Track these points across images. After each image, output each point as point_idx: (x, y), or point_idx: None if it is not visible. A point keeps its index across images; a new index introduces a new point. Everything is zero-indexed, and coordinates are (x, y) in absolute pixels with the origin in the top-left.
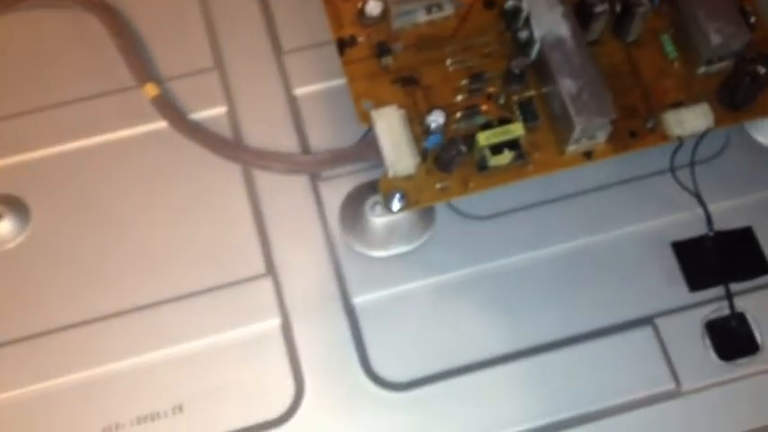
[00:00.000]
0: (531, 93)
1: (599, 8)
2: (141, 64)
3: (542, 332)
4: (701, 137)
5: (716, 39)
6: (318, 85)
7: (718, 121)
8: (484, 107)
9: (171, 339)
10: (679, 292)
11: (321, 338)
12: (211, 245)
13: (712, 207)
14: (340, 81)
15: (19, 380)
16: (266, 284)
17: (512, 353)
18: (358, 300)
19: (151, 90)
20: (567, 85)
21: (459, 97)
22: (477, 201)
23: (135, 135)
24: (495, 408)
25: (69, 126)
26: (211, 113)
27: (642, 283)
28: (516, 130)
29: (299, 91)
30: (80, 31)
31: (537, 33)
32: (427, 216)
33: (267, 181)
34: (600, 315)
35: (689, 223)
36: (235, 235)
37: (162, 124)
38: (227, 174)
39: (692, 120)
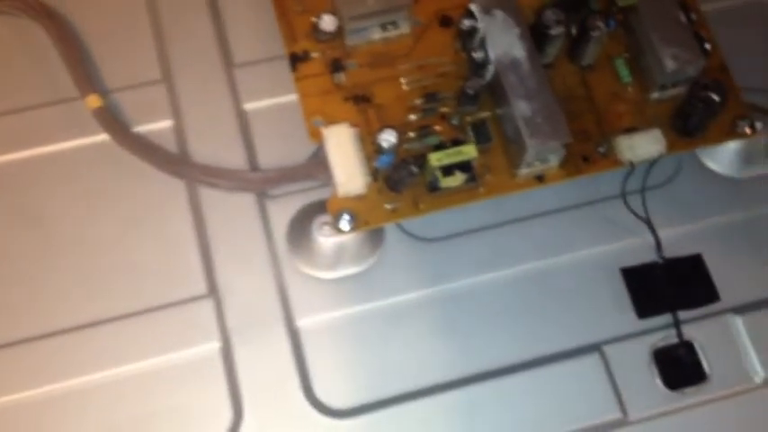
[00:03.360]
0: (485, 114)
1: (555, 30)
2: (84, 74)
3: (489, 359)
4: (653, 163)
5: (671, 64)
6: (269, 100)
7: (671, 146)
8: (437, 127)
9: (104, 362)
10: (627, 318)
11: (262, 363)
12: (152, 264)
13: (663, 233)
14: (292, 97)
15: None
16: (207, 306)
17: (458, 379)
18: (302, 322)
19: (93, 101)
20: (521, 108)
21: (413, 117)
22: (427, 223)
23: (76, 147)
24: None
25: (8, 136)
26: (157, 127)
27: (591, 310)
28: (469, 151)
29: (249, 106)
30: (23, 38)
31: (492, 54)
32: (376, 237)
33: (212, 198)
34: (548, 341)
35: (640, 249)
36: (177, 254)
37: (105, 137)
38: (171, 190)
39: (644, 145)
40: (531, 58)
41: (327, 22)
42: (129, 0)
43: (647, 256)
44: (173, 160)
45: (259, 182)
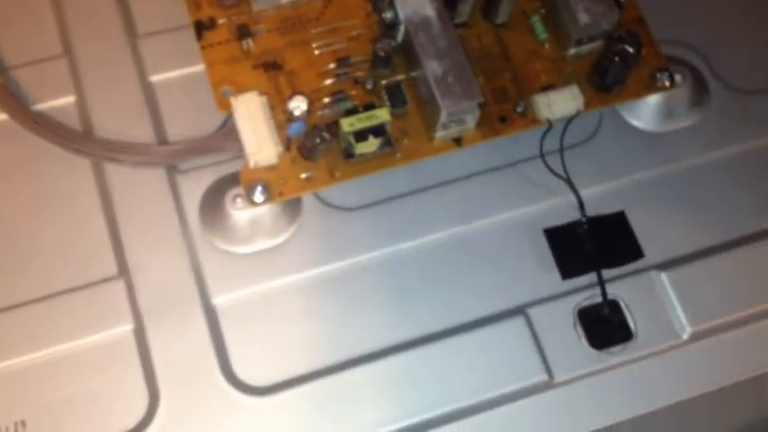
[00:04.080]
0: (400, 77)
1: None
2: None
3: (414, 327)
4: (570, 120)
5: (584, 18)
6: (176, 71)
7: (589, 103)
8: (352, 92)
9: (11, 350)
10: (552, 279)
11: (177, 343)
12: (59, 246)
13: (586, 191)
14: (200, 66)
15: None
16: (118, 287)
17: (381, 350)
18: (218, 300)
19: None
20: (432, 68)
21: (328, 81)
22: (345, 191)
23: None
24: (365, 408)
25: None
26: (59, 103)
27: (515, 272)
28: (382, 115)
29: (156, 78)
30: None
31: (401, 14)
32: (292, 208)
33: (120, 175)
34: (472, 306)
35: (563, 209)
36: (84, 235)
37: (3, 116)
38: (76, 168)
39: (561, 102)
40: (442, 17)
41: None
42: None
43: (571, 215)
44: (73, 138)
45: (165, 155)
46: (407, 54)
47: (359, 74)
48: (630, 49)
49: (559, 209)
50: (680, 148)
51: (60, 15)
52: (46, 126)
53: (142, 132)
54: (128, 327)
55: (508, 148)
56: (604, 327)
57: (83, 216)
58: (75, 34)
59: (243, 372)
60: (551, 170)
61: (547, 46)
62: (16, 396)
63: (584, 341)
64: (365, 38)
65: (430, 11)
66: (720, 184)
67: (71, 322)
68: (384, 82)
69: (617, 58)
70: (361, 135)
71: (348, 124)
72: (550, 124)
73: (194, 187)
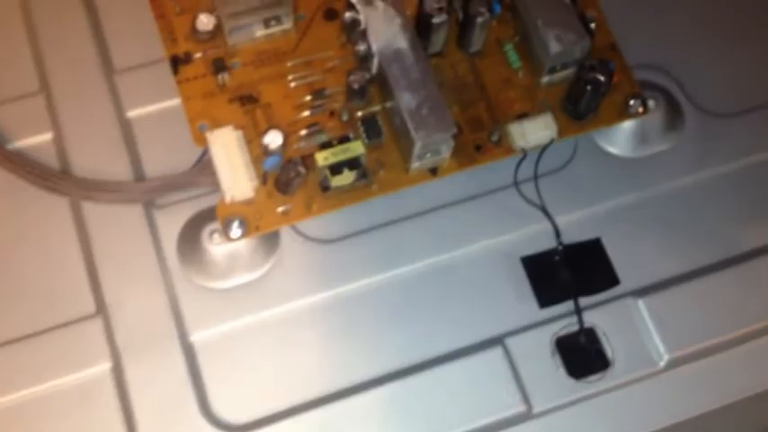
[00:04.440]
0: (376, 108)
1: (437, 19)
2: None
3: (392, 359)
4: (544, 148)
5: (555, 46)
6: (153, 105)
7: (563, 131)
8: (329, 124)
9: None
10: (530, 308)
11: (156, 381)
12: (35, 285)
13: (562, 218)
14: (176, 101)
15: None
16: (96, 325)
17: (361, 383)
18: (197, 336)
19: None
20: (405, 100)
21: (305, 114)
22: (322, 223)
23: None
24: None
25: None
26: (36, 141)
27: (493, 302)
28: (356, 148)
29: (133, 113)
30: None
31: (375, 46)
32: (270, 242)
33: (97, 211)
34: (450, 338)
35: (541, 237)
36: (61, 272)
37: None
38: (52, 205)
39: (535, 131)
40: (415, 49)
41: (204, 22)
42: (0, 7)
43: (548, 242)
44: (49, 176)
45: (141, 192)
46: (382, 85)
47: (335, 105)
48: (601, 78)
49: (537, 236)
50: (655, 174)
51: (37, 51)
52: (21, 165)
53: (120, 168)
54: (106, 366)
55: (484, 177)
56: (582, 356)
57: (60, 254)
58: (52, 70)
59: (221, 409)
60: (526, 199)
61: (521, 74)
62: None
63: (562, 371)
64: (341, 69)
65: (403, 43)
66: (696, 208)
67: (48, 362)
68: (360, 113)
69: (588, 87)
70: (336, 168)
71: (323, 158)
72: (524, 153)
73: (171, 222)
